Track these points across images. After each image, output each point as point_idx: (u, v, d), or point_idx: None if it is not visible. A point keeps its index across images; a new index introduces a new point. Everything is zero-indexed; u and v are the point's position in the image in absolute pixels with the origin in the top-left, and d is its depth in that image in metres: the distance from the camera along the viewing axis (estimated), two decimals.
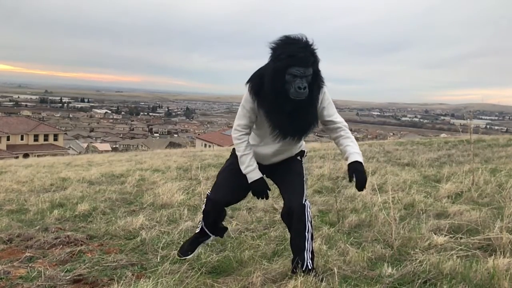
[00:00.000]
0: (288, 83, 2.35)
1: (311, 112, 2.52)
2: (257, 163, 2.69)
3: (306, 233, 2.64)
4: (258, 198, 2.73)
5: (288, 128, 2.51)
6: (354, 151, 2.56)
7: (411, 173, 6.51)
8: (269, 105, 2.47)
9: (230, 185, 2.77)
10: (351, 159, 2.54)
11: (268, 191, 2.69)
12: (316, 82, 2.45)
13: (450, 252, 3.01)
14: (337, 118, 2.64)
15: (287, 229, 2.91)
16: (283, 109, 2.43)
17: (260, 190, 2.65)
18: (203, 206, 2.89)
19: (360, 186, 2.51)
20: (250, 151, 2.66)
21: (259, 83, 2.49)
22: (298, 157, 2.80)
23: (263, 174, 2.71)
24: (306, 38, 2.38)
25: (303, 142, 2.81)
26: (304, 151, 2.83)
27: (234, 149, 2.78)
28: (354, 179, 2.50)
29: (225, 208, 2.91)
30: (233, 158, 2.80)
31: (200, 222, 2.99)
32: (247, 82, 2.56)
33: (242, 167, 2.64)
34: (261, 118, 2.58)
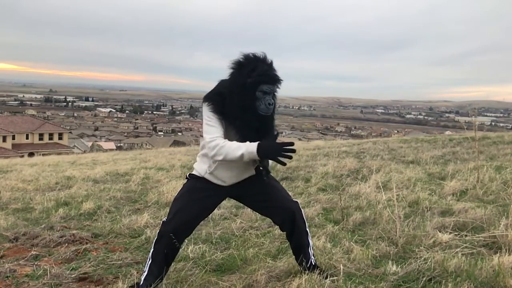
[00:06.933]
0: (258, 100, 2.41)
1: (273, 126, 2.57)
2: (222, 186, 2.57)
3: (307, 229, 2.72)
4: (279, 161, 2.34)
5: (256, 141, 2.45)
6: None
7: (415, 170, 6.49)
8: (236, 121, 2.42)
9: (191, 214, 2.55)
10: None
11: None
12: (275, 99, 2.53)
13: (455, 249, 3.01)
14: None
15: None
16: (251, 125, 2.43)
17: (277, 146, 2.32)
18: (156, 236, 2.58)
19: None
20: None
21: (220, 101, 2.43)
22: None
23: (231, 197, 2.70)
24: (267, 56, 2.45)
25: None
26: None
27: (189, 174, 2.67)
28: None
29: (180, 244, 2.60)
30: (190, 182, 2.63)
31: (148, 262, 2.58)
32: (207, 102, 2.45)
33: (240, 150, 2.34)
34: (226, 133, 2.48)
